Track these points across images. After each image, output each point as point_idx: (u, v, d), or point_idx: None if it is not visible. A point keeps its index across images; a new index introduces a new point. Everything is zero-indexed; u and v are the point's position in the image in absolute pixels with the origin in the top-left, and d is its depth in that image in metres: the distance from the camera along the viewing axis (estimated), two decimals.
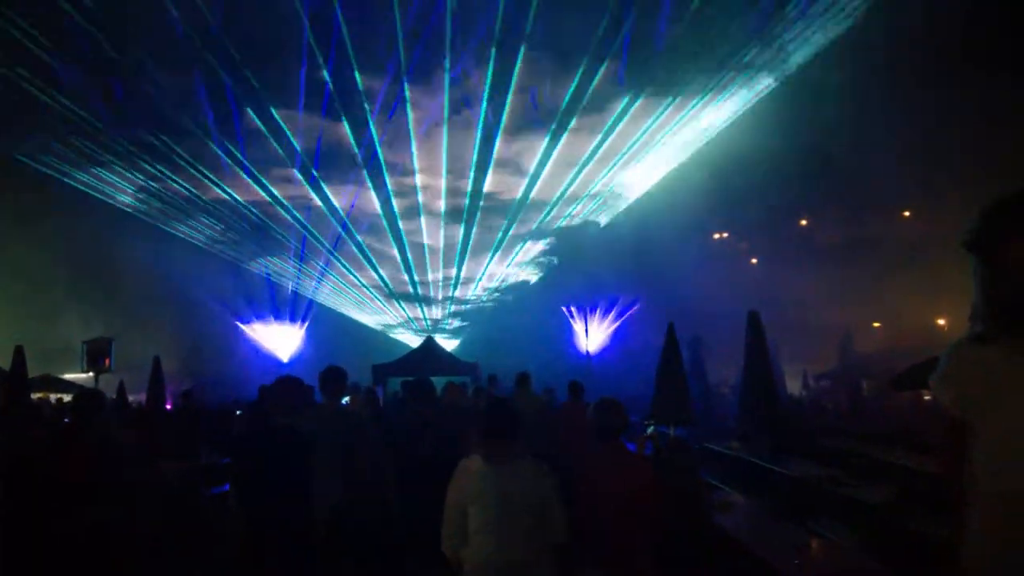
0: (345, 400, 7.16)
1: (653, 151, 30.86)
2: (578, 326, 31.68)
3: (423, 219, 33.96)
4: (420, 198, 33.11)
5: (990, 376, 1.90)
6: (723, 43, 26.17)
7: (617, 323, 32.48)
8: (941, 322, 25.35)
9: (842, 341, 26.72)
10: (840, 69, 24.50)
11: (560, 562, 3.55)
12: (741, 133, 27.47)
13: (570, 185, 32.73)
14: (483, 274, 35.48)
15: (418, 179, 32.50)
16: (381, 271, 34.65)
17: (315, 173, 30.94)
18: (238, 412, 14.45)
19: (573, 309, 31.89)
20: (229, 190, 30.87)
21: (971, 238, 1.95)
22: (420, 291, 35.18)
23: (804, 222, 31.00)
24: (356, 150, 30.62)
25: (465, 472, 3.57)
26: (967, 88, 21.13)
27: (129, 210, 29.38)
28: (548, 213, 34.10)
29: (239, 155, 29.31)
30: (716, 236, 32.50)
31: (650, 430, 11.03)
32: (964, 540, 1.97)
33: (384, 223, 33.42)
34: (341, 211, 32.80)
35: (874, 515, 6.65)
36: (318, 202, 32.49)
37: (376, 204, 32.93)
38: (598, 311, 32.17)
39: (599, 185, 32.84)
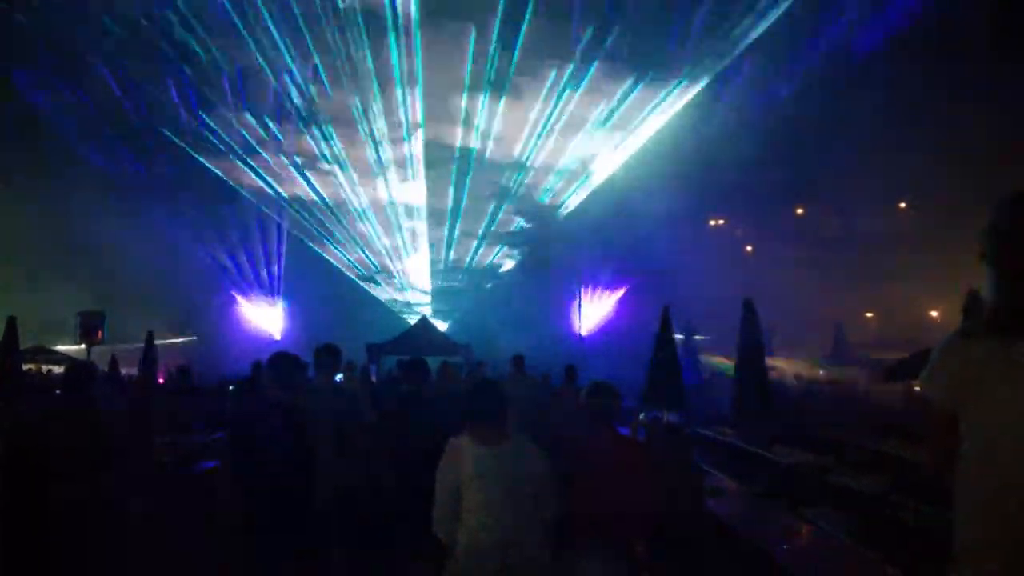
0: (338, 378, 7.16)
1: (649, 136, 30.68)
2: (572, 308, 31.75)
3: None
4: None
5: (979, 370, 1.92)
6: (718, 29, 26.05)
7: (610, 307, 32.47)
8: (934, 314, 25.47)
9: (835, 330, 26.84)
10: (838, 62, 24.50)
11: (553, 542, 3.55)
12: (736, 123, 27.41)
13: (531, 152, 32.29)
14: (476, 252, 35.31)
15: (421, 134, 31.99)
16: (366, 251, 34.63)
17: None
18: (231, 388, 14.46)
19: (569, 289, 31.94)
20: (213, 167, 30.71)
21: (982, 234, 1.97)
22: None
23: (800, 211, 31.01)
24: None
25: (456, 453, 3.55)
26: (964, 83, 21.14)
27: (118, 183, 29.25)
28: (520, 176, 33.81)
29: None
30: (712, 223, 32.49)
31: (641, 416, 11.05)
32: (955, 531, 1.98)
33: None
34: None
35: (866, 504, 6.68)
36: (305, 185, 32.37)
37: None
38: (592, 293, 32.18)
39: (594, 165, 32.58)
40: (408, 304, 35.81)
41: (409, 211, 34.39)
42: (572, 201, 34.03)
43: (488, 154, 32.46)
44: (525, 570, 3.41)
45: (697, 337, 21.38)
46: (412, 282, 36.04)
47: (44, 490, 3.90)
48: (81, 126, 27.14)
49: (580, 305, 31.64)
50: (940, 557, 2.05)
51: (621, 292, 32.25)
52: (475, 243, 35.46)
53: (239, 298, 33.33)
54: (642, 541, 3.87)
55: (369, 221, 34.19)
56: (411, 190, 33.79)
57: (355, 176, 32.80)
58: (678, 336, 13.29)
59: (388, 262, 35.36)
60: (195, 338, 31.66)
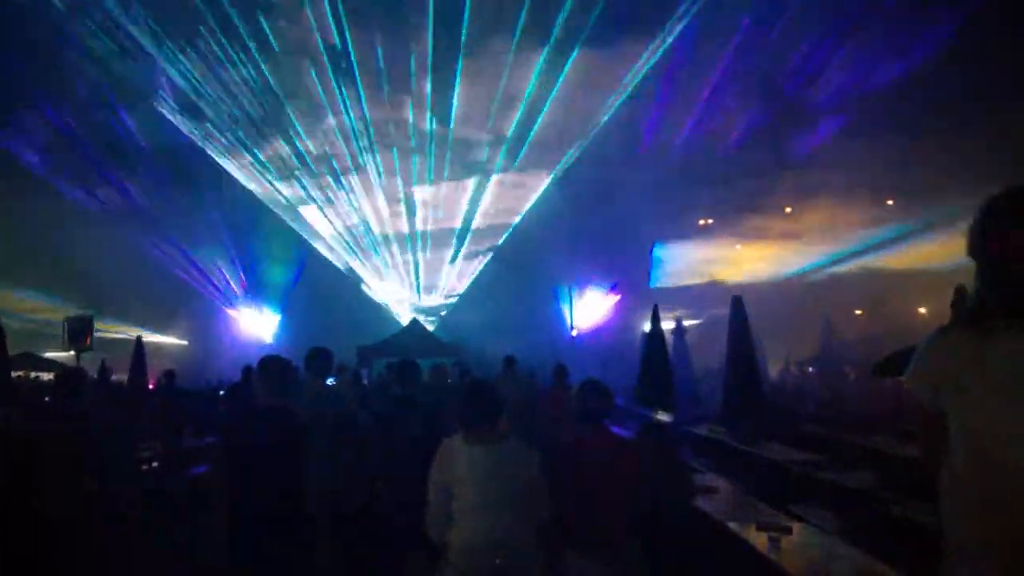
0: (330, 381, 7.15)
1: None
2: (563, 308, 31.67)
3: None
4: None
5: (962, 366, 1.93)
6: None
7: (599, 307, 32.41)
8: (922, 311, 25.56)
9: (824, 328, 26.88)
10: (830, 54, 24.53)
11: (544, 543, 3.57)
12: (731, 117, 27.44)
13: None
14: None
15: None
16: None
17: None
18: (220, 392, 14.43)
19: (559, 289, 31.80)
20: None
21: (972, 228, 1.99)
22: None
23: (788, 209, 31.06)
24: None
25: (449, 453, 3.56)
26: (958, 78, 21.18)
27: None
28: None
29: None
30: (701, 223, 32.49)
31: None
32: (948, 529, 1.99)
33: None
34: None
35: (855, 500, 6.72)
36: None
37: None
38: (580, 291, 32.07)
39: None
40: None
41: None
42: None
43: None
44: (518, 570, 3.43)
45: (687, 323, 21.25)
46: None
47: (30, 498, 3.88)
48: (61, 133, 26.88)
49: (571, 307, 31.55)
50: (933, 554, 2.06)
51: (608, 294, 32.15)
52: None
53: (228, 311, 33.20)
54: (634, 539, 3.88)
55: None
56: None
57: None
58: (666, 324, 13.25)
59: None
60: (186, 343, 31.56)
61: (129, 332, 20.97)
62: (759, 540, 4.70)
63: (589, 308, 32.35)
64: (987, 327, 1.90)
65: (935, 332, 2.07)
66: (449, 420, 4.50)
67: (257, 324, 33.17)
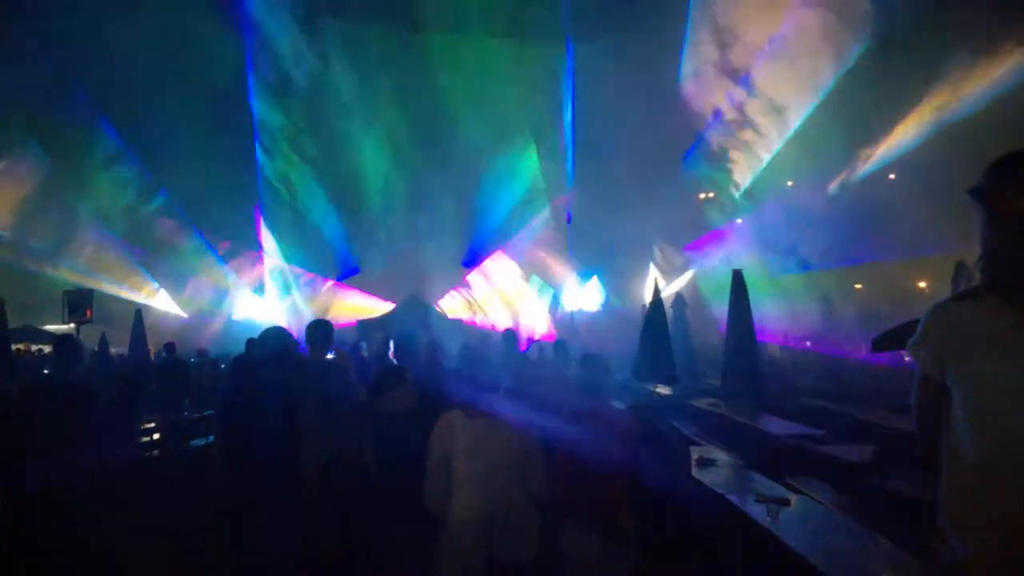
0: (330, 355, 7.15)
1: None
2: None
3: None
4: None
5: (966, 333, 1.91)
6: None
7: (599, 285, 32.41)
8: (922, 285, 25.55)
9: (823, 302, 26.90)
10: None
11: (541, 513, 3.59)
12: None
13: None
14: None
15: None
16: None
17: None
18: (222, 366, 14.46)
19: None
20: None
21: (974, 186, 1.95)
22: None
23: (790, 183, 30.92)
24: None
25: (448, 426, 3.58)
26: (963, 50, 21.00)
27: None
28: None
29: None
30: (702, 196, 32.38)
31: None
32: (944, 502, 1.98)
33: None
34: None
35: (853, 473, 6.74)
36: None
37: None
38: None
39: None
40: None
41: None
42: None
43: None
44: (515, 540, 3.46)
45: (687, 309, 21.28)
46: None
47: (23, 466, 3.88)
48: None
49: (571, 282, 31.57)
50: (929, 527, 2.06)
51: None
52: None
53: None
54: (630, 512, 3.90)
55: None
56: None
57: None
58: (665, 294, 13.24)
59: None
60: (186, 316, 31.53)
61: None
62: (757, 512, 4.72)
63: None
64: (1006, 297, 1.87)
65: (943, 302, 2.03)
66: (445, 391, 4.51)
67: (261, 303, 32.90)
